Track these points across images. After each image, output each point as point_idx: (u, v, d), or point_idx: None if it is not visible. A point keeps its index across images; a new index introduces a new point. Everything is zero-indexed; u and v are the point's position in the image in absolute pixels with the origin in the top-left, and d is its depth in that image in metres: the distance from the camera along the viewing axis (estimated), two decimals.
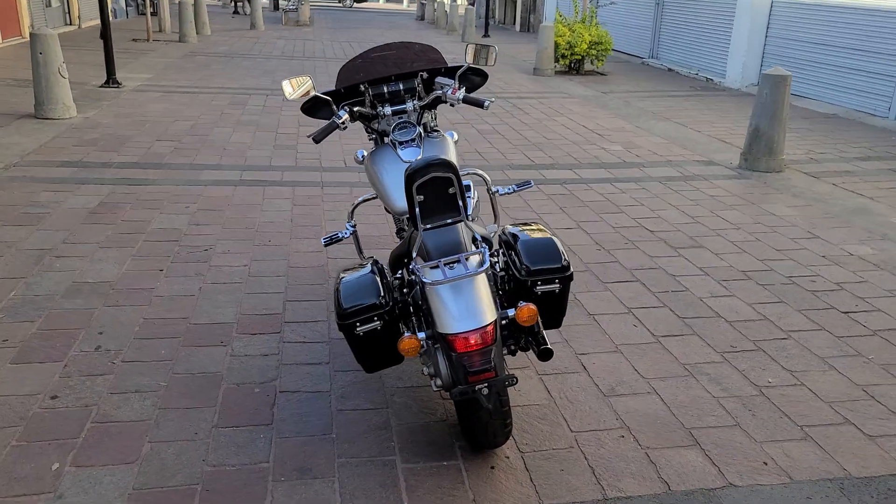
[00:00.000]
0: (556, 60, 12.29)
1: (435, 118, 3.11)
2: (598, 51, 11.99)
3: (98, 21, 18.66)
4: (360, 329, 2.30)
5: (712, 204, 5.34)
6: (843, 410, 2.81)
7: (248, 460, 2.44)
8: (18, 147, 6.25)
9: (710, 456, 2.53)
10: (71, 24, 17.32)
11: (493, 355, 2.16)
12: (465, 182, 3.30)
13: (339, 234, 2.97)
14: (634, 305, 3.66)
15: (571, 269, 2.42)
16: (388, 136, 2.89)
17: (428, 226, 2.27)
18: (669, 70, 13.16)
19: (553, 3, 19.70)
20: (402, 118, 2.92)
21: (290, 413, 2.70)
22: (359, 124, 3.10)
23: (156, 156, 6.19)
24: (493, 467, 2.45)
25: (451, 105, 2.97)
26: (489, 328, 2.16)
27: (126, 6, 21.61)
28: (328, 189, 5.48)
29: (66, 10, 17.25)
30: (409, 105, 2.91)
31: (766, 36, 10.88)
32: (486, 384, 2.18)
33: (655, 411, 2.78)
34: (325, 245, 2.94)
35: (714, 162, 6.60)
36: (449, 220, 2.27)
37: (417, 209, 2.22)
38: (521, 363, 3.09)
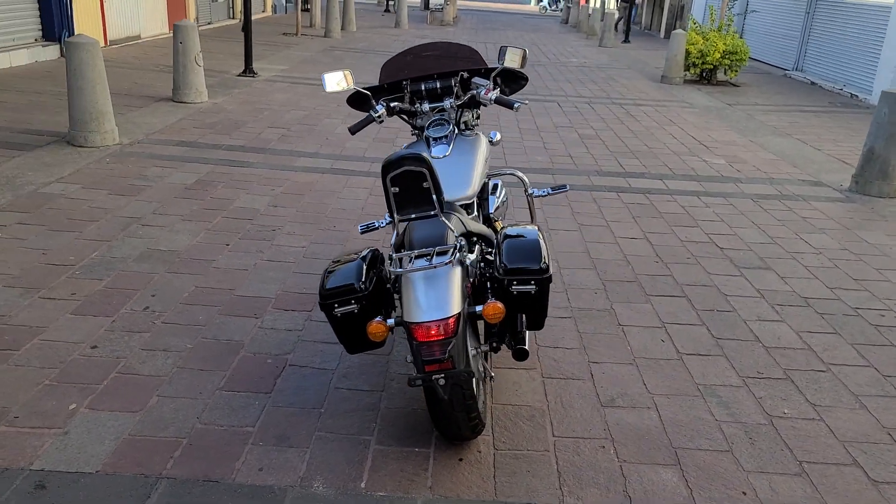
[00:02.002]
0: (687, 69, 11.86)
1: (477, 117, 3.17)
2: (731, 60, 11.45)
3: (258, 15, 20.06)
4: (338, 310, 2.42)
5: (800, 226, 5.02)
6: (856, 451, 2.61)
7: (236, 423, 2.62)
8: (147, 126, 6.88)
9: (686, 477, 2.44)
10: (233, 18, 18.69)
11: (450, 347, 2.20)
12: (494, 181, 3.34)
13: (377, 223, 3.09)
14: (670, 321, 3.55)
15: (550, 272, 2.41)
16: (424, 131, 3.00)
17: (412, 216, 2.34)
18: (812, 84, 12.33)
19: (701, 10, 18.97)
20: (442, 115, 3.02)
21: (291, 385, 2.87)
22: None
23: (263, 141, 6.62)
24: (461, 459, 2.49)
25: (485, 105, 3.02)
26: (450, 320, 2.20)
27: (286, 2, 22.99)
28: None
29: (230, 5, 18.65)
30: (446, 103, 3.00)
31: None
32: (441, 375, 2.23)
33: (647, 427, 2.71)
34: (362, 232, 3.07)
35: (822, 183, 6.18)
36: (430, 213, 2.32)
37: (393, 200, 2.30)
38: (529, 364, 3.09)
